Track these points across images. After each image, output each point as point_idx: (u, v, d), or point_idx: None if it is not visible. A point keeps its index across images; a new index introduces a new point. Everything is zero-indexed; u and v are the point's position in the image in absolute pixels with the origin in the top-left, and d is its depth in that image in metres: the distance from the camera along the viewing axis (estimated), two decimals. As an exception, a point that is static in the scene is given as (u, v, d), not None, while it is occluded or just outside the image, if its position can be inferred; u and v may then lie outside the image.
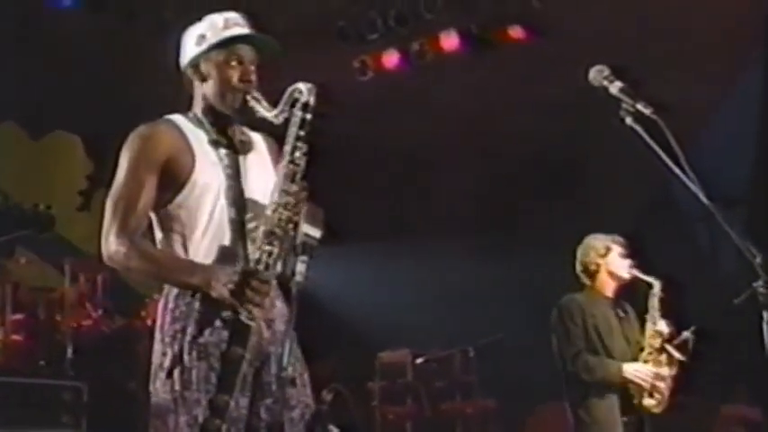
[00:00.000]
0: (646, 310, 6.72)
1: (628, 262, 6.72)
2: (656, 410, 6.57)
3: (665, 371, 6.57)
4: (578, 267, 6.84)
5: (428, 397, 9.64)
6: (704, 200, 3.63)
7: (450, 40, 10.19)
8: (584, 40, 8.77)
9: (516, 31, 10.04)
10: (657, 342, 6.62)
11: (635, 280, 6.75)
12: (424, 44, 10.34)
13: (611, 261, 6.73)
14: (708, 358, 8.82)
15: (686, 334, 6.63)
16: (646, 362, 6.58)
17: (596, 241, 6.79)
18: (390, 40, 10.44)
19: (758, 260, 3.51)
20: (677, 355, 6.59)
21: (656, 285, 6.71)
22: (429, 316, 10.05)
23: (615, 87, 3.89)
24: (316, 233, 3.74)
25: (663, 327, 6.65)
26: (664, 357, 6.60)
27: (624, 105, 3.83)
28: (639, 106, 3.79)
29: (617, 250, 6.73)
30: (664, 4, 9.10)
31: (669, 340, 6.63)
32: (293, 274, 3.70)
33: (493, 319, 9.01)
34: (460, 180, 10.61)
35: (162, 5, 9.78)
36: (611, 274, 6.74)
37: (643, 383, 6.50)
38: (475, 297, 9.83)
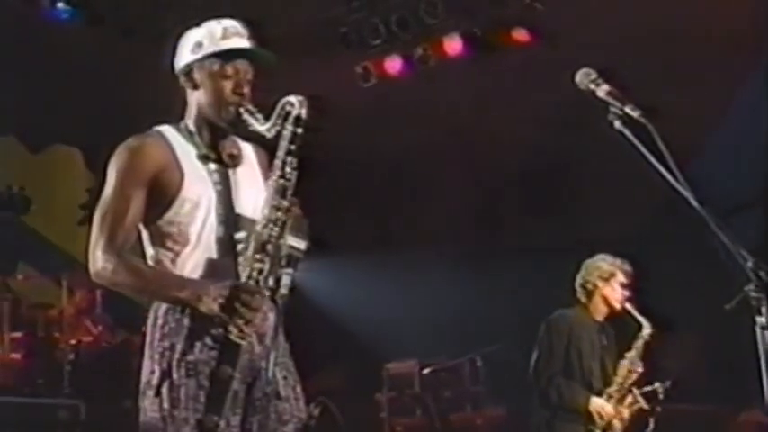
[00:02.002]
0: (629, 348, 6.76)
1: (626, 293, 6.73)
2: None
3: (626, 412, 6.63)
4: (578, 281, 6.86)
5: (437, 408, 9.55)
6: (695, 204, 3.52)
7: (453, 45, 10.08)
8: (586, 43, 8.66)
9: (520, 34, 9.93)
10: (627, 383, 6.68)
11: (627, 314, 6.77)
12: (427, 49, 10.24)
13: (609, 287, 6.74)
14: (724, 365, 8.73)
15: (658, 385, 6.69)
16: (610, 397, 6.64)
17: (603, 263, 6.80)
18: (393, 45, 10.34)
19: (749, 264, 3.43)
20: (642, 402, 6.65)
21: (646, 328, 6.73)
22: (435, 326, 9.97)
23: (602, 90, 3.79)
24: (300, 245, 3.67)
25: (638, 370, 6.70)
26: (629, 399, 6.67)
27: (612, 109, 3.72)
28: (627, 109, 3.69)
29: (619, 278, 6.74)
30: (670, 8, 8.97)
31: (640, 384, 6.69)
32: (278, 286, 3.64)
33: (499, 327, 8.93)
34: (465, 188, 10.54)
35: (160, 17, 9.71)
36: (606, 299, 6.76)
37: (599, 421, 6.55)
38: (479, 306, 9.75)
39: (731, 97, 9.48)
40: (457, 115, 10.29)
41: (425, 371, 9.54)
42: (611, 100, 3.73)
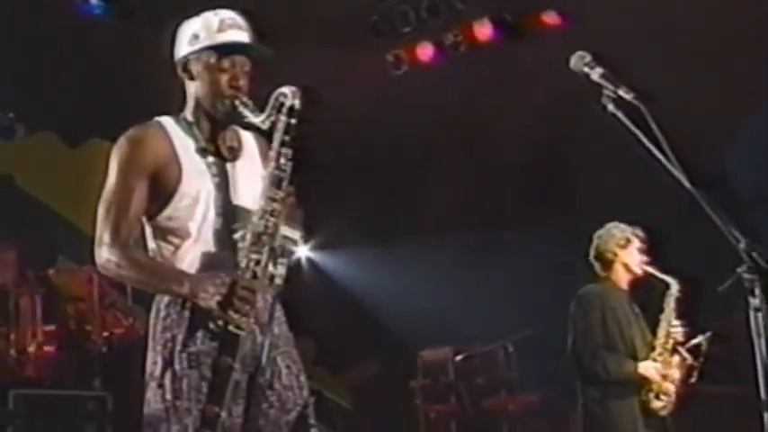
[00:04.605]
0: (660, 309, 6.61)
1: (644, 258, 6.59)
2: (663, 413, 6.47)
3: (675, 373, 6.47)
4: (592, 254, 6.72)
5: (469, 394, 9.54)
6: (687, 185, 3.49)
7: (483, 30, 10.03)
8: (615, 27, 8.61)
9: (550, 17, 9.86)
10: (670, 343, 6.53)
11: (650, 277, 6.62)
12: (457, 35, 10.18)
13: (628, 253, 6.59)
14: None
15: (700, 338, 6.55)
16: (656, 361, 6.48)
17: (617, 230, 6.65)
18: (424, 32, 10.30)
19: (742, 245, 3.40)
20: (689, 358, 6.51)
21: (674, 285, 6.58)
22: (469, 313, 9.94)
23: (596, 73, 3.77)
24: (294, 235, 3.72)
25: (678, 328, 6.54)
26: (675, 359, 6.52)
27: (606, 92, 3.71)
28: (621, 92, 3.67)
29: (636, 244, 6.60)
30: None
31: (682, 342, 6.54)
32: (273, 277, 3.68)
33: (530, 313, 8.90)
34: (489, 173, 10.51)
35: (189, 11, 9.73)
36: (626, 266, 6.61)
37: (653, 383, 6.41)
38: (509, 292, 9.70)
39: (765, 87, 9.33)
40: (464, 105, 10.26)
41: (458, 357, 9.53)
42: (604, 82, 3.71)
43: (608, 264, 6.63)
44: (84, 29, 10.20)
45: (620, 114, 3.66)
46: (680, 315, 6.58)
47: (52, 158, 10.86)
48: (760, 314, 3.37)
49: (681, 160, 3.52)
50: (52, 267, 9.50)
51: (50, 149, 10.90)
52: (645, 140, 3.57)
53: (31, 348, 8.37)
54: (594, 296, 6.63)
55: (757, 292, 3.39)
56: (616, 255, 6.59)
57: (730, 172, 9.42)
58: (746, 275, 3.40)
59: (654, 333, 6.58)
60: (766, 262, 3.33)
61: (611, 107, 3.68)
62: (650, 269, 6.57)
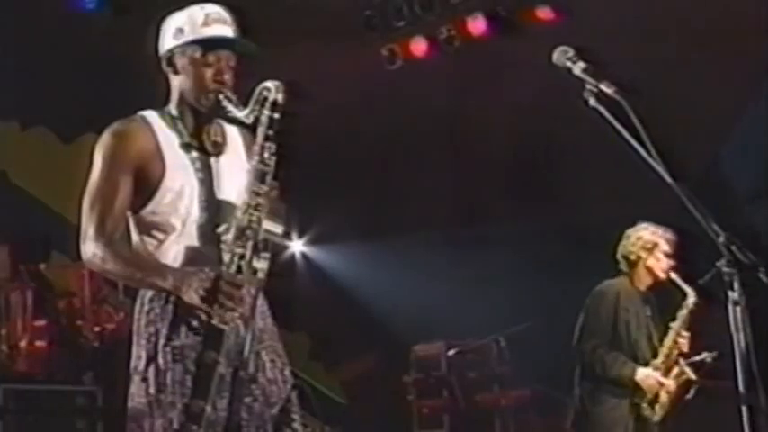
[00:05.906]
0: (673, 317, 6.62)
1: (670, 262, 6.59)
2: (655, 419, 6.50)
3: (672, 384, 6.51)
4: (620, 251, 6.72)
5: (462, 389, 9.53)
6: (668, 179, 3.49)
7: (477, 24, 10.02)
8: (609, 23, 8.60)
9: (544, 12, 9.85)
10: (674, 353, 6.55)
11: (671, 283, 6.62)
12: (451, 30, 10.17)
13: (653, 257, 6.60)
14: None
15: (705, 354, 6.57)
16: (657, 369, 6.51)
17: (646, 232, 6.66)
18: (417, 27, 10.30)
19: (721, 239, 3.40)
20: (689, 373, 6.53)
21: (691, 296, 6.56)
22: (461, 308, 9.94)
23: (578, 68, 3.76)
24: (277, 229, 3.73)
25: (685, 340, 6.57)
26: (675, 370, 6.55)
27: (588, 86, 3.70)
28: (603, 86, 3.67)
29: (663, 248, 6.59)
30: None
31: (687, 355, 6.56)
32: (256, 271, 3.69)
33: (522, 307, 8.89)
34: (484, 168, 10.50)
35: (183, 5, 9.72)
36: (650, 270, 6.62)
37: (648, 391, 6.45)
38: (502, 287, 9.69)
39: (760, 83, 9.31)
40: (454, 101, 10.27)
41: (451, 352, 9.51)
42: (586, 77, 3.71)
43: (632, 264, 6.67)
44: (77, 24, 10.20)
45: (601, 109, 3.66)
46: (690, 327, 6.60)
47: (46, 154, 10.87)
48: (738, 308, 3.37)
49: (666, 155, 3.52)
50: (46, 263, 9.51)
51: (44, 145, 10.91)
52: (626, 135, 3.57)
53: (23, 343, 8.38)
54: (611, 293, 6.67)
55: (736, 285, 3.39)
56: (640, 257, 6.62)
57: (725, 169, 9.42)
58: (726, 269, 3.40)
59: (661, 339, 6.61)
60: (745, 256, 3.34)
61: (592, 101, 3.68)
62: (673, 275, 6.58)
